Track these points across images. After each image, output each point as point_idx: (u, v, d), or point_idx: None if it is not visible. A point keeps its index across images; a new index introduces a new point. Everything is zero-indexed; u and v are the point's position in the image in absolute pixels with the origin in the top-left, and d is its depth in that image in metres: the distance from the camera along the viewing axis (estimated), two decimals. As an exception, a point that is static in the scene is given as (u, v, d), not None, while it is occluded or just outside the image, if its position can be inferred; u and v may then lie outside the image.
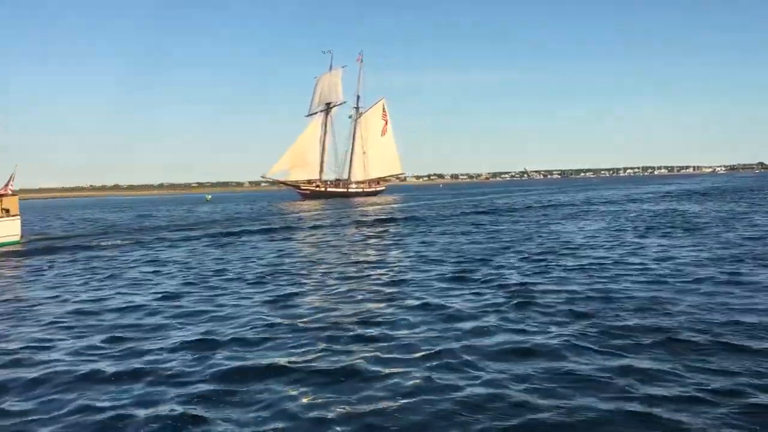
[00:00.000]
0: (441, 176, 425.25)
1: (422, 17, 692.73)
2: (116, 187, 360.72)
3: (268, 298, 13.69)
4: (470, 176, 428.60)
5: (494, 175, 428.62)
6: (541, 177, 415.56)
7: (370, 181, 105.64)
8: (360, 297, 13.58)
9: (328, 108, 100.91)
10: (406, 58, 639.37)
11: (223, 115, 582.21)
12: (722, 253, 18.04)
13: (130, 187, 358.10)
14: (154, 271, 18.85)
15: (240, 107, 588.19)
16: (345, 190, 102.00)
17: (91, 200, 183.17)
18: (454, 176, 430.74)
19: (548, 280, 14.63)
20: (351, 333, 10.27)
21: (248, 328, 10.88)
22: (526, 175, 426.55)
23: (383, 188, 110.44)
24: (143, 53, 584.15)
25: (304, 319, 11.44)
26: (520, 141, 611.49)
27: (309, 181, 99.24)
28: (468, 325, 10.55)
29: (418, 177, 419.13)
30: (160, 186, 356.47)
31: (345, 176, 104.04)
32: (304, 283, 15.67)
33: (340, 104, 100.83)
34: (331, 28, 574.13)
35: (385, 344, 9.57)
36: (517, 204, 56.34)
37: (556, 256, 18.79)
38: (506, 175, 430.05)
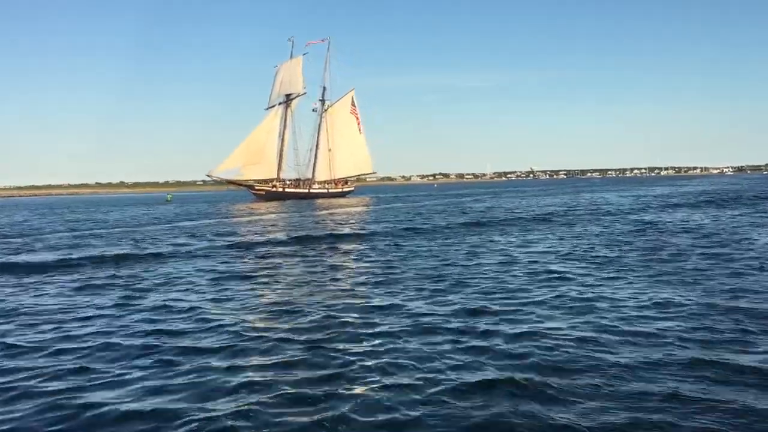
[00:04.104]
0: (447, 176, 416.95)
1: (426, 17, 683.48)
2: (121, 185, 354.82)
3: None
4: (476, 175, 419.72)
5: (500, 174, 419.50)
6: (547, 177, 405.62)
7: (336, 181, 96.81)
8: None
9: (288, 100, 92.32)
10: (409, 57, 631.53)
11: (222, 115, 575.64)
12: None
13: (136, 185, 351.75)
14: None
15: (239, 106, 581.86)
16: (306, 190, 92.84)
17: (83, 198, 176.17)
18: (460, 175, 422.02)
19: None
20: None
21: None
22: (532, 175, 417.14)
23: (352, 188, 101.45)
24: (144, 50, 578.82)
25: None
26: (527, 141, 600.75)
27: (265, 181, 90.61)
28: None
29: (423, 176, 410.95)
30: (165, 183, 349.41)
31: (308, 175, 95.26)
32: None
33: (300, 95, 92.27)
34: (329, 27, 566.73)
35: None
36: (498, 211, 46.20)
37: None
38: (512, 175, 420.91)
